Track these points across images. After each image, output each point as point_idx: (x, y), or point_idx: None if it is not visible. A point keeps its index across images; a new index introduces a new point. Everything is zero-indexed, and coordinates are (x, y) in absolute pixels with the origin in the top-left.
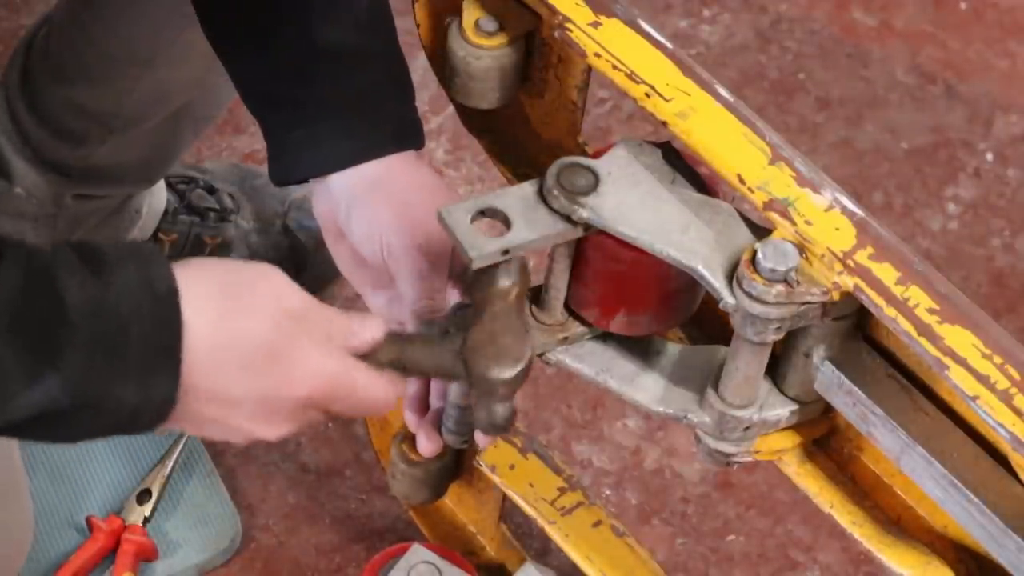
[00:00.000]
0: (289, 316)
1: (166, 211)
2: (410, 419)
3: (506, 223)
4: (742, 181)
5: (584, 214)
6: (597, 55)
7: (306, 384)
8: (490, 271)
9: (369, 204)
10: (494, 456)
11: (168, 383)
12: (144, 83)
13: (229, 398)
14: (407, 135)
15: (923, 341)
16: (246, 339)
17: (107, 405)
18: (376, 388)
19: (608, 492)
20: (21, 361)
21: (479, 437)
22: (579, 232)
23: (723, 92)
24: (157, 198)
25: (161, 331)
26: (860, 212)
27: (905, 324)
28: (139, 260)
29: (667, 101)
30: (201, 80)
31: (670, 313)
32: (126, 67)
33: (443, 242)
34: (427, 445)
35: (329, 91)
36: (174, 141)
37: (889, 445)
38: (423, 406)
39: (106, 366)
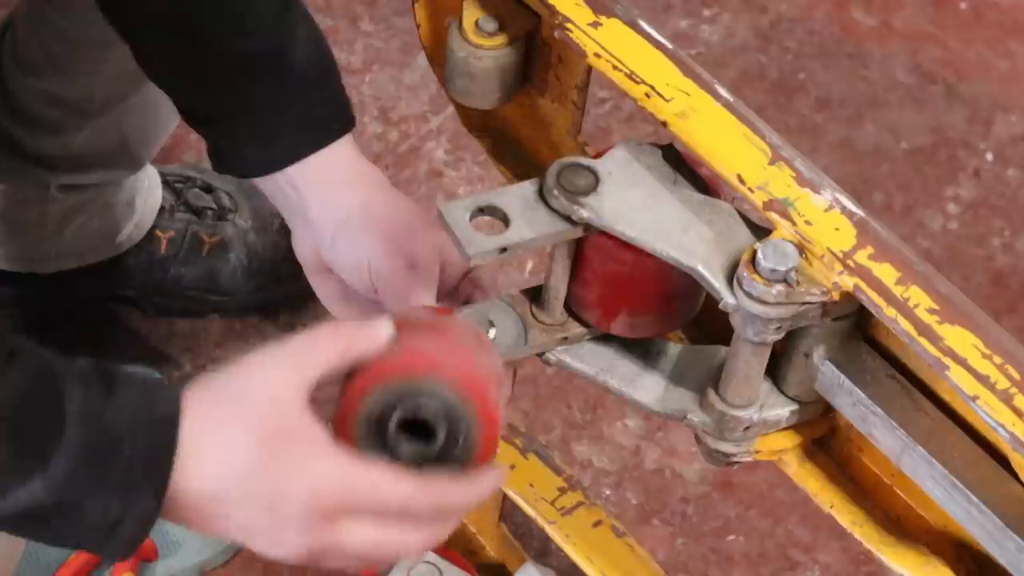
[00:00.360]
0: (278, 433)
1: (163, 208)
2: None
3: (505, 221)
4: (742, 181)
5: (584, 214)
6: (597, 55)
7: (305, 487)
8: None
9: (352, 233)
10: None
11: (149, 502)
12: (109, 65)
13: (224, 514)
14: (336, 120)
15: (923, 341)
16: (236, 467)
17: (82, 515)
18: (397, 483)
19: (608, 492)
20: (13, 461)
21: None
22: (579, 232)
23: (723, 92)
24: (152, 194)
25: (152, 455)
26: (860, 212)
27: (905, 324)
28: (147, 382)
29: (667, 101)
30: None
31: (671, 316)
32: (88, 51)
33: (429, 261)
34: None
35: (247, 100)
36: (153, 120)
37: (889, 445)
38: None
39: (90, 476)
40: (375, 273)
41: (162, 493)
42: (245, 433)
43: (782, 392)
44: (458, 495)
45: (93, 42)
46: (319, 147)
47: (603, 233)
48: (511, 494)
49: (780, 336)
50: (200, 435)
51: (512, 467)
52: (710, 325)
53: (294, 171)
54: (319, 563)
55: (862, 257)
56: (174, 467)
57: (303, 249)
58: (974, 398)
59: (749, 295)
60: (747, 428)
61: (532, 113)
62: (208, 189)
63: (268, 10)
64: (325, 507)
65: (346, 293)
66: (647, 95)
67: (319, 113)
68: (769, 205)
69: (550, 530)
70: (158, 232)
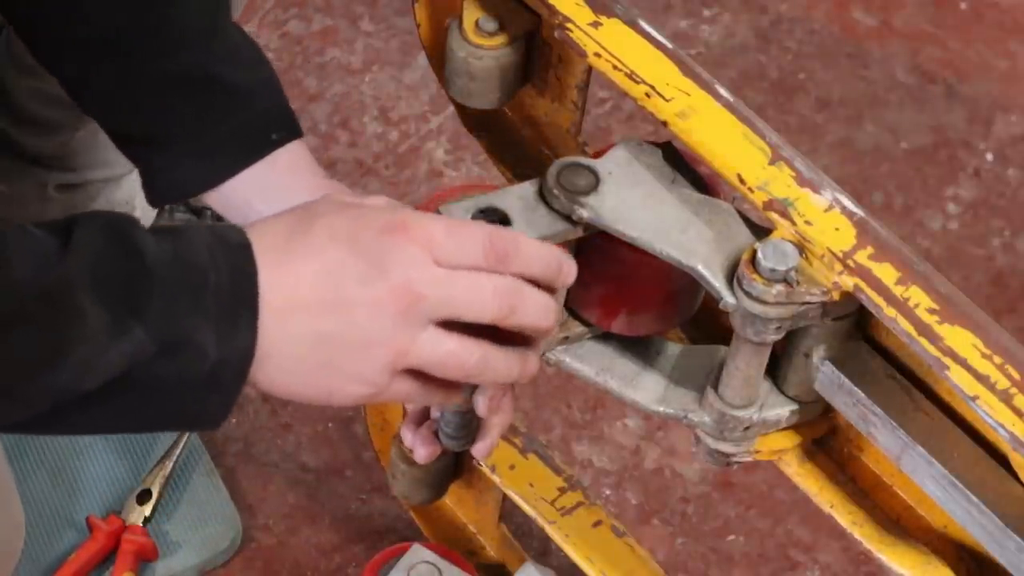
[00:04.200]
0: (350, 225)
1: (162, 208)
2: (406, 436)
3: (505, 222)
4: (742, 181)
5: (584, 214)
6: (597, 55)
7: (396, 273)
8: None
9: None
10: (494, 456)
11: (245, 334)
12: None
13: (312, 321)
14: (275, 130)
15: (923, 341)
16: (316, 270)
17: (190, 351)
18: (479, 226)
19: (608, 492)
20: (107, 317)
21: (476, 449)
22: (579, 232)
23: (723, 92)
24: None
25: (236, 280)
26: (860, 212)
27: (905, 324)
28: (208, 224)
29: (667, 101)
30: None
31: (671, 314)
32: None
33: None
34: (423, 451)
35: (178, 118)
36: None
37: (889, 445)
38: (423, 420)
39: (188, 308)
40: None
41: (254, 317)
42: (327, 236)
43: (782, 392)
44: (530, 245)
45: None
46: (258, 158)
47: (603, 233)
48: (511, 494)
49: (780, 336)
50: (274, 252)
51: (512, 467)
52: (710, 325)
53: (247, 191)
54: (389, 388)
55: (862, 257)
56: (259, 287)
57: None
58: (974, 398)
59: (749, 295)
60: (747, 428)
61: (532, 113)
62: None
63: (195, 24)
64: (418, 281)
65: None
66: (647, 95)
67: (255, 125)
68: (769, 205)
69: (550, 530)
70: None
